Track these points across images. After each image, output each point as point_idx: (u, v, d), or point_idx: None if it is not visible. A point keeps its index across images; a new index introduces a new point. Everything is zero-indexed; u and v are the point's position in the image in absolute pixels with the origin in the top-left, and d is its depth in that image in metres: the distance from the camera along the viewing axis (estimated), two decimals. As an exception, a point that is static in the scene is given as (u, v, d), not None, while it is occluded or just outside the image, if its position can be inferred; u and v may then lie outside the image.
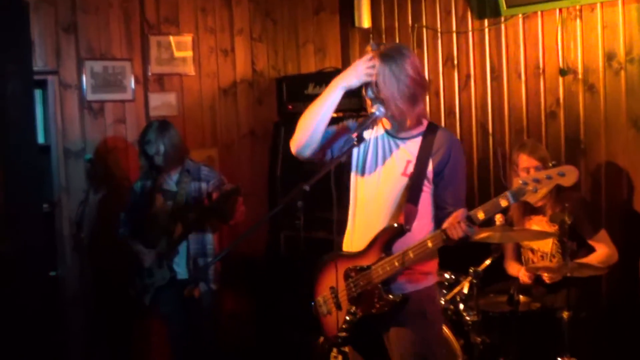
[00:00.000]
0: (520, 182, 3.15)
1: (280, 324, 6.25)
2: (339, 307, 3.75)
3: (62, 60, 5.83)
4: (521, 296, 4.74)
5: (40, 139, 5.67)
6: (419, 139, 3.67)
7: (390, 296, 3.60)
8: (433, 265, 3.77)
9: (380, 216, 3.67)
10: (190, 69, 6.41)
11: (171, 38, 6.31)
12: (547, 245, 4.90)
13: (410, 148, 3.67)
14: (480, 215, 3.33)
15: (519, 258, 5.11)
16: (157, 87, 6.26)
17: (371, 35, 6.86)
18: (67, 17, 5.83)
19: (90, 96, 5.93)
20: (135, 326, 6.04)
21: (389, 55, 3.58)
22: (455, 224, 3.38)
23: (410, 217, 3.59)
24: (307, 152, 3.79)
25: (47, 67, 5.74)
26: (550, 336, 4.58)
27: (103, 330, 5.93)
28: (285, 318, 6.15)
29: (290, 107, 6.55)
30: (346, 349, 3.70)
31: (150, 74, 6.21)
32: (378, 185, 3.71)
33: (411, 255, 3.51)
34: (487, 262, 4.65)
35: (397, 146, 3.71)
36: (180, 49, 6.35)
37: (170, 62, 6.31)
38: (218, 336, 5.49)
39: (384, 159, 3.73)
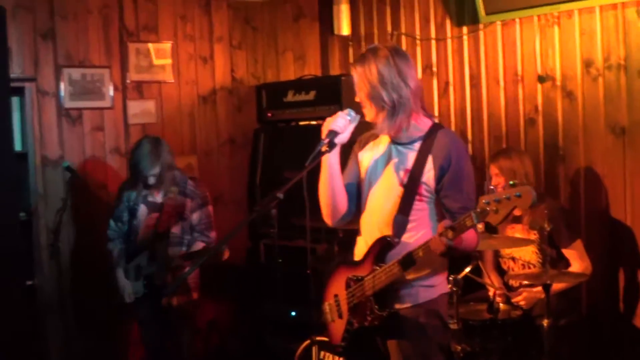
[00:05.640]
0: (484, 201, 3.11)
1: (261, 331, 6.23)
2: (340, 315, 3.72)
3: (40, 67, 5.82)
4: (501, 304, 4.74)
5: (18, 147, 5.63)
6: (418, 145, 3.55)
7: (379, 311, 3.52)
8: (437, 278, 3.63)
9: (379, 227, 3.60)
10: (169, 77, 6.39)
11: (150, 45, 6.29)
12: (528, 254, 4.90)
13: (409, 155, 3.56)
14: (450, 235, 3.24)
15: (497, 269, 5.11)
16: (136, 94, 6.24)
17: (350, 43, 6.85)
18: (45, 23, 5.81)
19: (68, 103, 5.91)
20: (114, 333, 6.00)
21: (358, 59, 3.57)
22: (436, 237, 3.28)
23: (399, 229, 3.52)
24: (349, 218, 3.77)
25: (24, 74, 5.72)
26: (531, 344, 4.56)
27: (81, 338, 5.88)
28: (265, 325, 6.14)
29: (270, 114, 6.51)
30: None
31: (129, 81, 6.19)
32: (378, 195, 3.64)
33: (413, 257, 3.38)
34: (467, 269, 4.64)
35: (398, 154, 3.61)
36: (159, 56, 6.34)
37: (149, 69, 6.29)
38: (199, 344, 5.46)
39: (385, 168, 3.63)
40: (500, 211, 3.06)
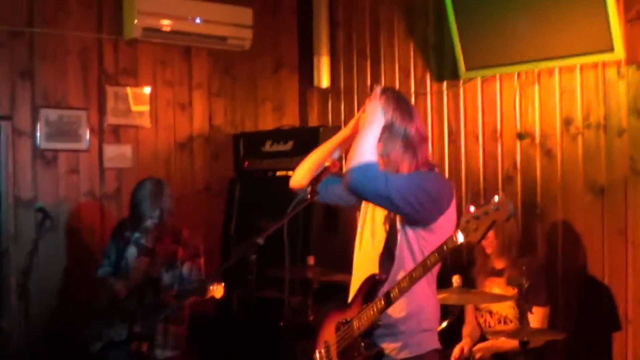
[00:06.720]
0: (464, 220, 3.08)
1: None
2: None
3: (17, 107, 5.76)
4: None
5: (-10, 186, 5.58)
6: None
7: (365, 349, 3.45)
8: (426, 333, 3.53)
9: (367, 268, 3.56)
10: (146, 122, 6.34)
11: (128, 90, 6.25)
12: (505, 308, 4.85)
13: None
14: (432, 259, 3.21)
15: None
16: (113, 138, 6.18)
17: (329, 95, 6.87)
18: (24, 62, 5.78)
19: (43, 144, 5.83)
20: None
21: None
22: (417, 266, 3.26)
23: (385, 266, 3.48)
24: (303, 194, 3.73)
25: (0, 112, 5.65)
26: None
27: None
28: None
29: (246, 163, 6.48)
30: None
31: (106, 124, 6.13)
32: (367, 235, 3.62)
33: (396, 292, 3.31)
34: (444, 324, 4.59)
35: None
36: (138, 101, 6.29)
37: (126, 113, 6.24)
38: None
39: (374, 210, 3.62)
40: (480, 228, 3.03)
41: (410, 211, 3.35)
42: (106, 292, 5.25)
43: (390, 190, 3.30)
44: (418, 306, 3.50)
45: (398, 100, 3.51)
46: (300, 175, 3.82)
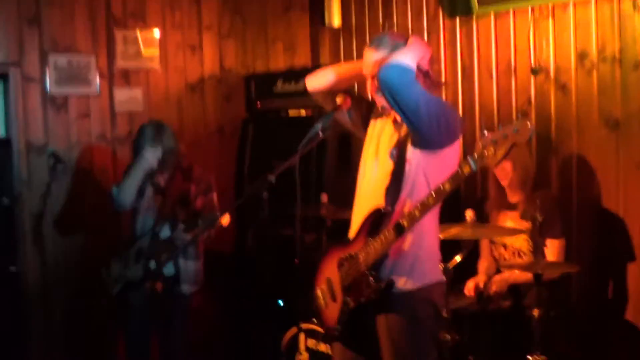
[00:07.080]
0: (480, 145, 3.06)
1: (248, 321, 6.15)
2: (334, 298, 3.65)
3: (25, 53, 5.74)
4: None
5: (1, 132, 5.56)
6: None
7: (375, 282, 3.46)
8: (431, 265, 3.60)
9: (371, 202, 3.57)
10: (156, 65, 6.30)
11: (138, 33, 6.20)
12: (519, 241, 4.84)
13: (403, 127, 3.54)
14: (447, 186, 3.23)
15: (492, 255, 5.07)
16: (123, 82, 6.16)
17: (341, 34, 6.80)
18: (31, 8, 5.73)
19: (53, 90, 5.82)
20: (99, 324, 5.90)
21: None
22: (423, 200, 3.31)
23: (391, 197, 3.48)
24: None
25: (8, 59, 5.64)
26: (521, 334, 4.50)
27: (63, 327, 5.81)
28: (252, 315, 6.06)
29: (259, 104, 6.45)
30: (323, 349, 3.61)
31: (115, 68, 6.10)
32: (372, 169, 3.63)
33: (407, 222, 3.34)
34: (457, 258, 4.58)
35: (393, 129, 3.61)
36: (147, 44, 6.25)
37: (136, 57, 6.20)
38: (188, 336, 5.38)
39: (379, 141, 3.64)
40: (498, 151, 3.01)
41: (427, 127, 3.36)
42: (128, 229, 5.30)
43: (420, 101, 3.33)
44: (418, 236, 3.50)
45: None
46: (318, 82, 3.93)
